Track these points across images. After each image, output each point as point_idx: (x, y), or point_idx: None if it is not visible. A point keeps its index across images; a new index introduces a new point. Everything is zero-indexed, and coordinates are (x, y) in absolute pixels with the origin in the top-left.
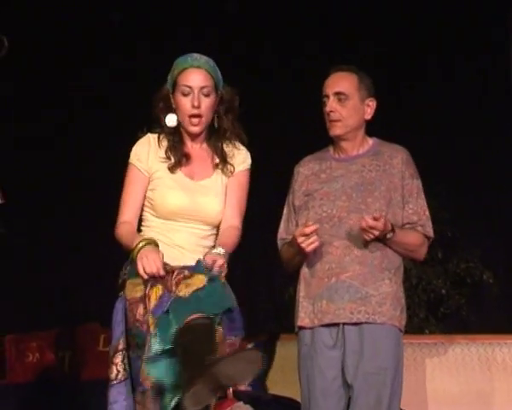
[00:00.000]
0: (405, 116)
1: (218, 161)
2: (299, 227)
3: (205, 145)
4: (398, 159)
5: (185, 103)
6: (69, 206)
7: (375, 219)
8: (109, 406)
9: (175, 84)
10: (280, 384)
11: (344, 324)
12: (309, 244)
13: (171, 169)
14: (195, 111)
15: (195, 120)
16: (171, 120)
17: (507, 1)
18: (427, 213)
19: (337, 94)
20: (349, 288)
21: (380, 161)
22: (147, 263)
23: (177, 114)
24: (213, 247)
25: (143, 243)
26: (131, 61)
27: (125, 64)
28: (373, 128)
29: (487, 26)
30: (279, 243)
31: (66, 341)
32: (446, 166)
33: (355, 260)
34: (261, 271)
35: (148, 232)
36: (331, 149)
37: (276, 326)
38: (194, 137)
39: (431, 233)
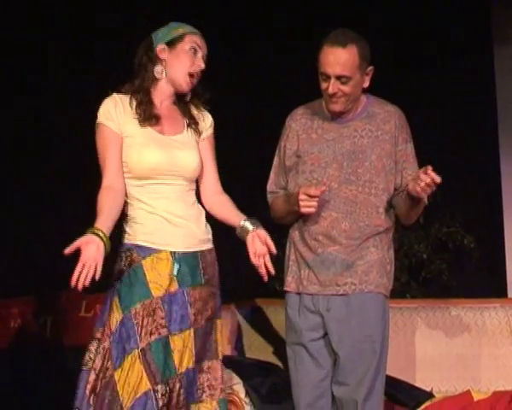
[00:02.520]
0: (384, 86)
1: (187, 121)
2: (302, 188)
3: (173, 107)
4: (391, 123)
5: (191, 59)
6: (50, 170)
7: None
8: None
9: (178, 40)
10: (262, 350)
11: (331, 295)
12: (306, 206)
13: (142, 124)
14: (197, 70)
15: (194, 80)
16: (158, 71)
17: None
18: None
19: (340, 77)
20: (335, 260)
21: (372, 126)
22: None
23: (167, 69)
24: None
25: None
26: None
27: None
28: None
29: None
30: (269, 196)
31: (48, 306)
32: (426, 132)
33: (342, 234)
34: None
35: (130, 203)
36: (324, 103)
37: (259, 291)
38: (166, 96)
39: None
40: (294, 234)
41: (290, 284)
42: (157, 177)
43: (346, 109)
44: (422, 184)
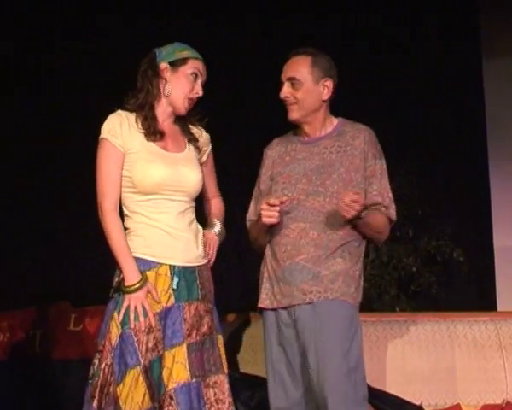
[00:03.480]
0: (374, 94)
1: (188, 139)
2: (264, 199)
3: (174, 126)
4: (360, 139)
5: (192, 85)
6: (42, 186)
7: (357, 193)
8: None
9: (182, 63)
10: (250, 363)
11: (298, 304)
12: (267, 216)
13: (148, 139)
14: (195, 96)
15: (191, 104)
16: (166, 89)
17: None
18: (391, 195)
19: (290, 79)
20: (302, 270)
21: (342, 142)
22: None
23: (168, 89)
24: (210, 226)
25: (138, 284)
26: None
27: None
28: (340, 107)
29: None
30: (248, 223)
31: (37, 320)
32: (416, 144)
33: (310, 242)
34: (231, 249)
35: (130, 216)
36: (297, 131)
37: (247, 305)
38: (167, 115)
39: (394, 216)
40: (267, 252)
41: (264, 300)
42: (161, 192)
43: (304, 119)
44: (341, 204)
